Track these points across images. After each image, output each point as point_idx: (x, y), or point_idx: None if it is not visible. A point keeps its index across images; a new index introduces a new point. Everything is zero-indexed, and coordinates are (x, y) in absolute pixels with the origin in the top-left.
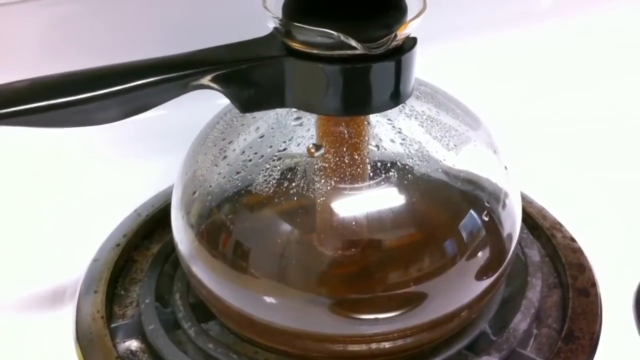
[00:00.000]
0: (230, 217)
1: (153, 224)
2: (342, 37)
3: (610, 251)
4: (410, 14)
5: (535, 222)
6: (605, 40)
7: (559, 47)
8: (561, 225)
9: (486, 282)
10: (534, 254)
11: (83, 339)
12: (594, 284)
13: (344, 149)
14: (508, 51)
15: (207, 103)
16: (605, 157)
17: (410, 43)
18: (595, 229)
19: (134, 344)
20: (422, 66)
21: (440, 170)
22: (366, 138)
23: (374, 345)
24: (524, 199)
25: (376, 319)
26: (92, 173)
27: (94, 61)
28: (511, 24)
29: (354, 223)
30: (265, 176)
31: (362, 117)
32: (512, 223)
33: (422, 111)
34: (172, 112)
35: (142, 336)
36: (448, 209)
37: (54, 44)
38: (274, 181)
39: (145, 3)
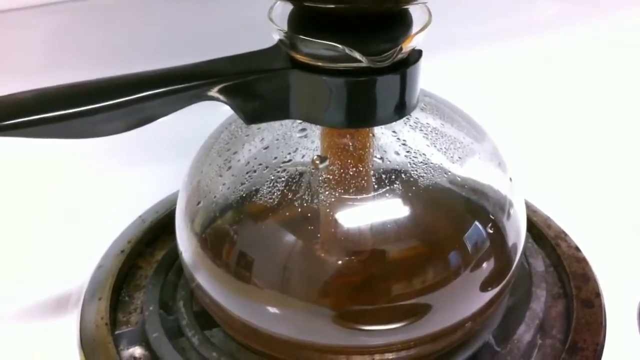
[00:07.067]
0: (234, 227)
1: (157, 230)
2: (347, 50)
3: (615, 261)
4: (415, 27)
5: (540, 232)
6: (606, 48)
7: (562, 56)
8: (566, 235)
9: (490, 294)
10: (539, 264)
11: (87, 346)
12: (598, 295)
13: (349, 161)
14: (512, 60)
15: (212, 110)
16: (612, 166)
17: (416, 55)
18: (600, 238)
19: (137, 351)
20: (427, 75)
21: (444, 182)
22: (371, 150)
23: (377, 357)
24: (529, 207)
25: (380, 330)
26: (96, 179)
27: (96, 70)
28: (515, 34)
29: (358, 234)
30: (269, 187)
31: (367, 129)
32: (517, 235)
33: (427, 123)
34: (177, 119)
35: (146, 343)
36: (452, 221)
37: (55, 52)
38: (278, 192)
39: (149, 13)
